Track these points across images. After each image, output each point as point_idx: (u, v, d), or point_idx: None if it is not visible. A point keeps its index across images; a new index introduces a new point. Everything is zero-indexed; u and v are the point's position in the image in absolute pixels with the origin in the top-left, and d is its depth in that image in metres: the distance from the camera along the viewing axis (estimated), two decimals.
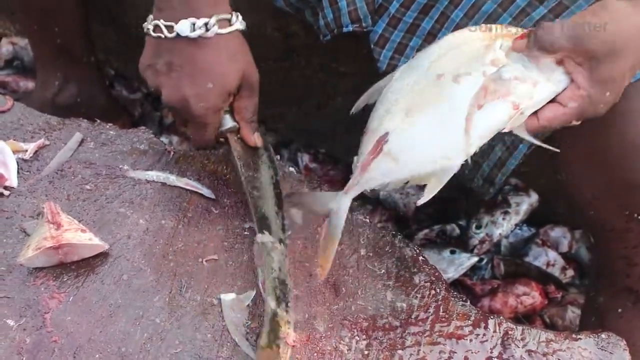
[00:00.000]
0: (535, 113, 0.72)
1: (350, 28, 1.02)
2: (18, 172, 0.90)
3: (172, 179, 0.90)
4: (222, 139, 0.91)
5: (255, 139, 0.91)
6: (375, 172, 0.74)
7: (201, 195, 0.90)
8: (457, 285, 1.28)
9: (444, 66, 0.72)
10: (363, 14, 1.01)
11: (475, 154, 1.01)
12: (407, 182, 0.74)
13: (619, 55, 0.71)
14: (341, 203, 0.76)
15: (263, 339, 0.72)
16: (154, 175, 0.91)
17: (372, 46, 1.05)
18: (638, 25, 0.72)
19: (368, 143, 0.74)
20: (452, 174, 0.72)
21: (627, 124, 0.82)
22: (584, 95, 0.72)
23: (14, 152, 0.91)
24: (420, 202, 0.72)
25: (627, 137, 0.82)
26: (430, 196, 0.72)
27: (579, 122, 0.74)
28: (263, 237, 0.80)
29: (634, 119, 0.82)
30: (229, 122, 0.89)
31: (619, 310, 0.88)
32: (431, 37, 1.00)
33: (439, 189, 0.72)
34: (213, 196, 0.90)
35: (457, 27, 0.96)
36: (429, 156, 0.72)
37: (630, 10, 0.73)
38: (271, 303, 0.74)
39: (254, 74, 0.88)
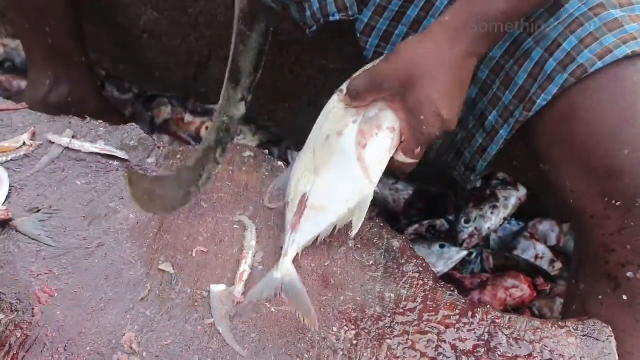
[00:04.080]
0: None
1: (337, 17, 1.03)
2: (9, 169, 0.91)
3: (87, 146, 0.93)
4: None
5: None
6: (305, 226, 0.83)
7: None
8: (447, 279, 1.29)
9: (327, 129, 0.88)
10: (349, 2, 1.02)
11: (457, 141, 1.04)
12: (335, 227, 0.84)
13: (415, 82, 0.81)
14: (287, 268, 0.80)
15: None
16: (66, 141, 0.94)
17: (358, 35, 1.05)
18: (425, 54, 0.81)
19: (292, 208, 0.85)
20: (369, 202, 0.84)
21: (598, 115, 0.84)
22: (404, 126, 0.84)
23: (2, 152, 0.92)
24: (353, 234, 0.84)
25: (601, 126, 0.84)
26: (360, 224, 0.84)
27: (424, 145, 0.85)
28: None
29: (604, 110, 0.84)
30: None
31: (600, 297, 0.88)
32: (417, 24, 1.01)
33: (364, 218, 0.84)
34: (127, 157, 0.93)
35: (442, 14, 0.98)
36: (346, 195, 0.84)
37: (416, 41, 0.83)
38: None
39: None
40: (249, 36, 0.85)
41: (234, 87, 0.85)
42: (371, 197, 0.84)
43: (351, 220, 0.84)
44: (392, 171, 0.89)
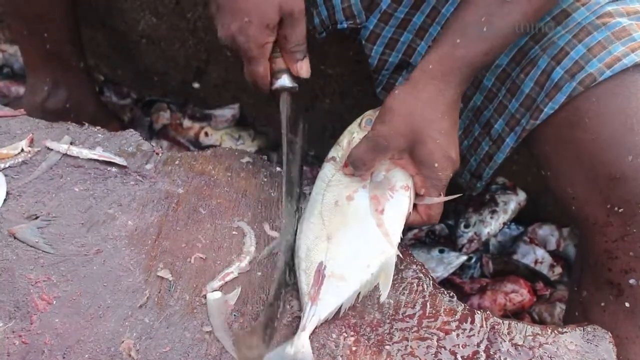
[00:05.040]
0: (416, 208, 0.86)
1: (345, 25, 1.04)
2: (7, 176, 0.90)
3: (85, 153, 0.93)
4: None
5: (298, 69, 0.89)
6: (327, 297, 0.78)
7: (189, 195, 0.90)
8: (447, 284, 1.29)
9: (333, 196, 0.85)
10: (357, 10, 1.02)
11: (462, 149, 1.04)
12: (359, 295, 0.79)
13: (421, 134, 0.81)
14: (302, 343, 0.75)
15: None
16: (64, 147, 0.93)
17: (363, 42, 1.05)
18: (420, 105, 0.81)
19: (308, 280, 0.79)
20: (394, 265, 0.81)
21: (603, 122, 0.84)
22: (419, 179, 0.83)
23: (0, 159, 0.92)
24: (383, 297, 0.80)
25: (605, 132, 0.84)
26: (389, 288, 0.80)
27: (443, 189, 0.84)
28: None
29: (609, 117, 0.84)
30: (285, 82, 0.90)
31: (602, 304, 0.88)
32: (422, 31, 1.01)
33: (391, 280, 0.80)
34: (125, 163, 0.92)
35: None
36: (367, 260, 0.80)
37: (406, 93, 0.82)
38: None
39: (295, 4, 0.86)
40: (296, 142, 0.86)
41: (290, 200, 0.85)
42: (395, 260, 0.81)
43: (375, 285, 0.80)
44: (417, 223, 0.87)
